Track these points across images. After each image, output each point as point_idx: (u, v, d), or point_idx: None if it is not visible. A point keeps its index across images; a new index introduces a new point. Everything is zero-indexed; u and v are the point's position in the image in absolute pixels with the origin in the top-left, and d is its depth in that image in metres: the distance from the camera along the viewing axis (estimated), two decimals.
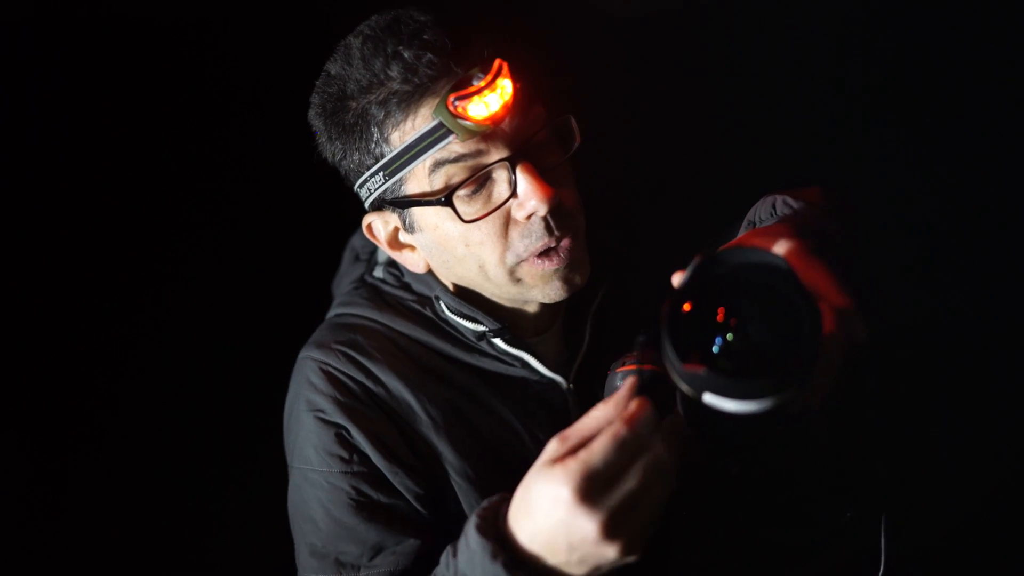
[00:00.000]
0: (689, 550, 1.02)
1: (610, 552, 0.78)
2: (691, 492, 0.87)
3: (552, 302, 1.12)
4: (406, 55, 1.00)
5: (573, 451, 0.79)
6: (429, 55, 0.99)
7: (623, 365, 0.94)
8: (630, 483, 0.77)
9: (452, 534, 0.97)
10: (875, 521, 0.91)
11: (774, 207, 1.09)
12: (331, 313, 1.26)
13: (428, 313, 1.19)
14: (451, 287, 1.18)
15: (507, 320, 1.16)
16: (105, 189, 1.77)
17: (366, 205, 1.14)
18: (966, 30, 1.76)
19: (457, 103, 0.98)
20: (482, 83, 0.98)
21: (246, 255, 1.86)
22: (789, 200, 1.07)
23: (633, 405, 0.79)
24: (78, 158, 1.76)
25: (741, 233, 1.14)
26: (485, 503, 0.89)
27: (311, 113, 1.13)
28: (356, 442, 1.11)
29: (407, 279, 1.22)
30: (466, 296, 1.17)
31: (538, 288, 1.10)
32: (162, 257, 1.81)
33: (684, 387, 0.74)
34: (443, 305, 1.17)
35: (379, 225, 1.15)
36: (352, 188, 1.14)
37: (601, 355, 1.22)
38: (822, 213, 1.04)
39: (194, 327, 1.81)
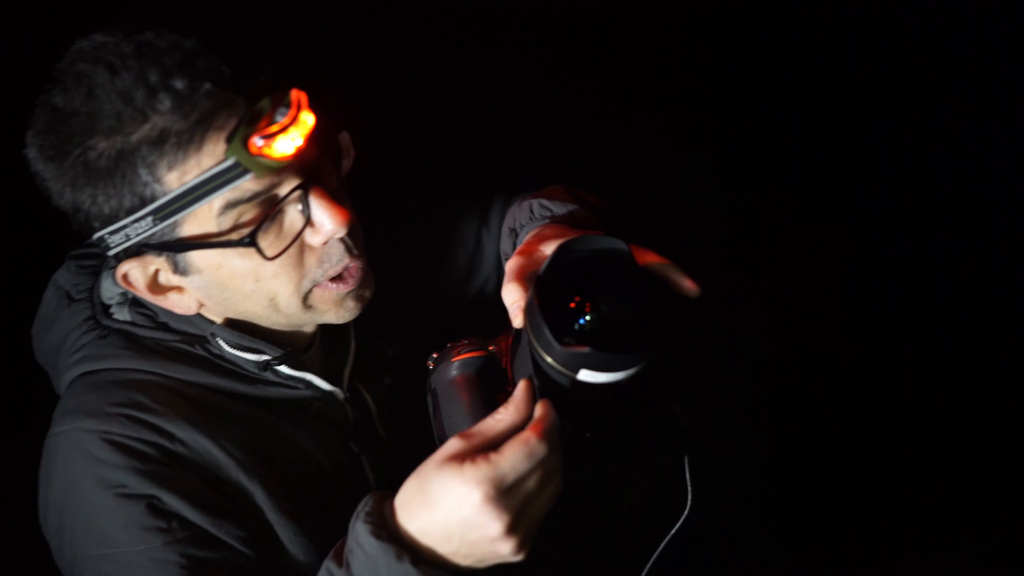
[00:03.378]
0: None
1: (505, 549, 0.84)
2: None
3: (345, 322, 1.09)
4: (178, 86, 0.88)
5: (478, 451, 0.83)
6: (207, 85, 0.88)
7: (457, 354, 1.00)
8: (530, 486, 0.83)
9: (286, 568, 1.04)
10: (680, 461, 1.01)
11: (531, 211, 1.15)
12: (77, 371, 1.09)
13: (200, 352, 1.09)
14: (222, 321, 1.09)
15: (286, 344, 1.11)
16: None
17: (115, 251, 0.99)
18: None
19: (261, 142, 0.90)
20: (287, 119, 0.91)
21: None
22: (544, 202, 1.14)
23: (539, 411, 0.85)
24: None
25: (503, 239, 1.23)
26: (367, 507, 0.89)
27: (34, 155, 0.97)
28: (170, 507, 1.00)
29: (163, 319, 1.10)
30: (242, 328, 1.09)
31: (332, 312, 1.07)
32: None
33: (558, 367, 0.82)
34: (221, 341, 1.08)
35: (137, 273, 1.02)
36: (90, 233, 0.99)
37: (367, 360, 1.26)
38: (578, 210, 1.12)
39: None
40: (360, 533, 0.87)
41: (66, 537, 1.04)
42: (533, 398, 0.87)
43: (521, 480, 0.83)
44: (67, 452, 1.03)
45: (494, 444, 0.84)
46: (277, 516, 1.07)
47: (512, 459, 0.82)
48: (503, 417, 0.86)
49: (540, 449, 0.83)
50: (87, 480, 1.01)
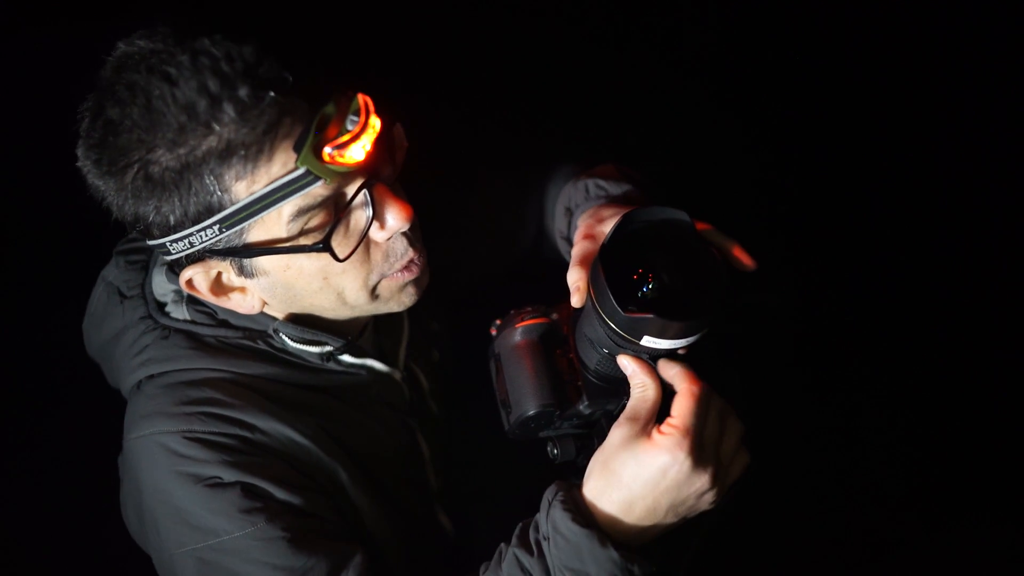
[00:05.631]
0: None
1: (710, 498, 0.91)
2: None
3: (403, 310, 1.10)
4: (242, 95, 0.85)
5: (650, 425, 0.88)
6: (271, 93, 0.86)
7: (521, 320, 1.03)
8: (712, 429, 0.90)
9: (373, 544, 1.08)
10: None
11: (587, 190, 1.17)
12: (142, 373, 1.09)
13: (262, 347, 1.10)
14: (284, 316, 1.10)
15: (345, 333, 1.13)
16: None
17: (176, 255, 0.98)
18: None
19: (332, 151, 0.89)
20: (357, 127, 0.91)
21: None
22: (600, 181, 1.16)
23: (674, 368, 0.90)
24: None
25: (558, 218, 1.24)
26: (559, 496, 0.94)
27: (89, 169, 0.94)
28: (263, 490, 1.02)
29: (223, 316, 1.10)
30: (303, 321, 1.10)
31: (394, 300, 1.07)
32: None
33: (623, 333, 0.85)
34: (283, 336, 1.09)
35: (200, 278, 1.01)
36: (150, 239, 0.98)
37: (417, 338, 1.29)
38: (631, 189, 1.14)
39: None
40: (559, 520, 0.92)
41: (165, 538, 1.04)
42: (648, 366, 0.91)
43: (704, 427, 0.89)
44: (151, 455, 1.03)
45: (659, 414, 0.89)
46: (356, 492, 1.11)
47: (691, 414, 0.88)
48: (646, 391, 0.91)
49: (705, 393, 0.88)
50: (177, 479, 1.02)
